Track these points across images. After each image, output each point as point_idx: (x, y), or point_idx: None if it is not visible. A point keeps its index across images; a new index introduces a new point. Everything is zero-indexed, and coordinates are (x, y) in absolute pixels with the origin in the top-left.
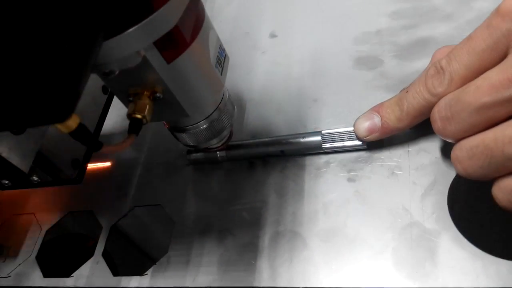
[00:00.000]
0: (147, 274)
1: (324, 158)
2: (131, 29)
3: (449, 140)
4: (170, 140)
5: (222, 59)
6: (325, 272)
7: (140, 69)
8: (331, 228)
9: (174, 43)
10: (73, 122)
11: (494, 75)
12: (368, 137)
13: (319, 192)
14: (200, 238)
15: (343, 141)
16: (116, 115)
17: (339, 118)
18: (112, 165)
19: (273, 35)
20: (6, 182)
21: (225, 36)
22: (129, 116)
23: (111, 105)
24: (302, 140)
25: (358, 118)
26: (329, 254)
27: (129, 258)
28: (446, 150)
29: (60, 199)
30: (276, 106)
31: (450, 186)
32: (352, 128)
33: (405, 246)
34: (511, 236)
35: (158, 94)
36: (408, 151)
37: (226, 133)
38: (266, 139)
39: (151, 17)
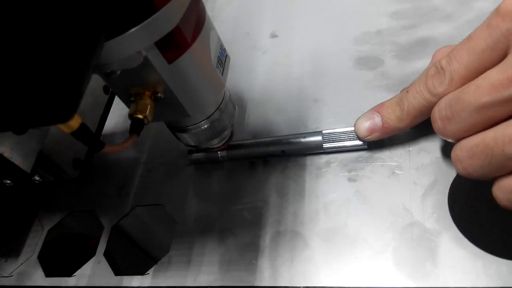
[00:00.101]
0: (148, 273)
1: (324, 158)
2: (132, 30)
3: (450, 140)
4: (171, 140)
5: (223, 59)
6: (326, 271)
7: (141, 69)
8: (331, 228)
9: (175, 44)
10: (75, 122)
11: (494, 75)
12: (368, 137)
13: (320, 192)
14: (201, 238)
15: (344, 141)
16: (118, 115)
17: (340, 118)
18: (113, 165)
19: (273, 35)
20: (8, 182)
21: (226, 36)
22: (131, 116)
23: (112, 105)
24: (302, 140)
25: (358, 118)
26: (330, 253)
27: (131, 257)
28: (447, 150)
29: (62, 199)
30: (276, 106)
31: (451, 186)
32: (352, 128)
33: (406, 246)
34: None
35: (159, 94)
36: (409, 151)
37: (227, 133)
38: (267, 139)
39: (152, 17)
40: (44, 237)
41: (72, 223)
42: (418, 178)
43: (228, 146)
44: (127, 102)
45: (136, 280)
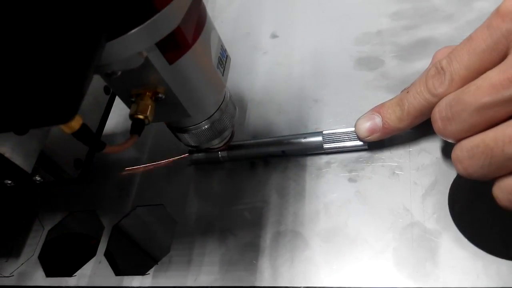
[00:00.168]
0: (149, 273)
1: (325, 158)
2: (133, 30)
3: (450, 140)
4: (172, 140)
5: (223, 59)
6: (326, 272)
7: (142, 70)
8: (332, 228)
9: (176, 44)
10: (76, 123)
11: (494, 75)
12: (369, 137)
13: (320, 192)
14: (201, 238)
15: (344, 141)
16: (118, 115)
17: (340, 118)
18: (114, 165)
19: (274, 36)
20: (9, 182)
21: (226, 37)
22: (132, 116)
23: (113, 105)
24: (303, 140)
25: (359, 119)
26: (330, 254)
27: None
28: (447, 150)
29: (63, 199)
30: (277, 106)
31: (451, 186)
32: (353, 129)
33: (406, 246)
34: None
35: (160, 95)
36: (409, 151)
37: (227, 133)
38: (267, 140)
39: (153, 18)
40: (44, 237)
41: (73, 223)
42: (418, 178)
43: (228, 147)
44: (128, 102)
45: (136, 280)
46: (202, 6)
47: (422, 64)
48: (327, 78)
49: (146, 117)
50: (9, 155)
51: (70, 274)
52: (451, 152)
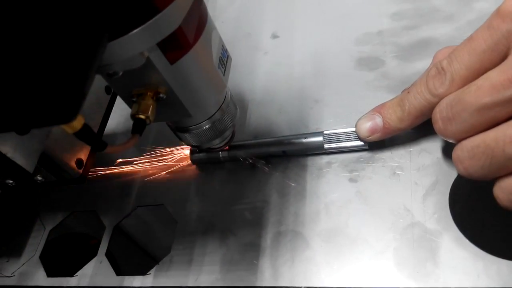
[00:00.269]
0: (150, 273)
1: (325, 158)
2: (135, 31)
3: (450, 141)
4: (173, 140)
5: (224, 59)
6: (326, 272)
7: (143, 70)
8: (332, 228)
9: (177, 44)
10: (78, 123)
11: (494, 76)
12: (369, 137)
13: (321, 192)
14: (202, 238)
15: (345, 141)
16: (119, 115)
17: (341, 118)
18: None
19: (275, 36)
20: (11, 182)
21: (227, 37)
22: (133, 116)
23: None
24: (304, 140)
25: (359, 119)
26: (330, 254)
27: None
28: (448, 151)
29: (64, 199)
30: (278, 106)
31: (452, 186)
32: (353, 129)
33: (407, 246)
34: None
35: (161, 95)
36: (410, 151)
37: (228, 133)
38: (268, 140)
39: (155, 18)
40: (46, 237)
41: (74, 223)
42: (419, 178)
43: (229, 147)
44: (129, 102)
45: (137, 280)
46: (203, 6)
47: (422, 64)
48: (328, 78)
49: (147, 117)
50: (11, 155)
51: (71, 274)
52: (451, 152)
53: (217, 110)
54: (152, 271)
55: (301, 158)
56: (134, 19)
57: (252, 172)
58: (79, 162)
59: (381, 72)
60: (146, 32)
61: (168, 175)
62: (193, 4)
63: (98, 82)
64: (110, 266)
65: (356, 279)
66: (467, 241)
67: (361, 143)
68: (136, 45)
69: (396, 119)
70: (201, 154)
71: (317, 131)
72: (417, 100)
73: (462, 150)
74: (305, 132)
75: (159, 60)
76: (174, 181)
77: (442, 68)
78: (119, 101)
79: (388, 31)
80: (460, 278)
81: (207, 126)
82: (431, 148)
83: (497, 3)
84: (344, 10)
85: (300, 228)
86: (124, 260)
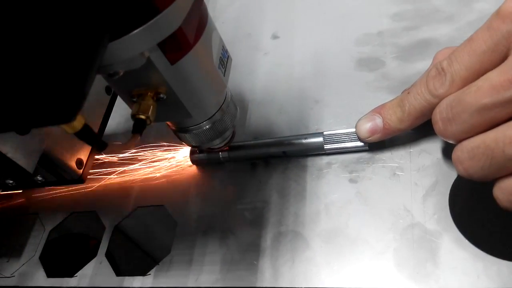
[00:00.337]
0: (150, 274)
1: (325, 159)
2: (135, 31)
3: (450, 141)
4: (173, 140)
5: (225, 60)
6: (326, 272)
7: (144, 70)
8: (332, 229)
9: (177, 45)
10: (78, 123)
11: (494, 76)
12: (370, 138)
13: (321, 192)
14: (202, 238)
15: (345, 142)
16: (120, 115)
17: (341, 119)
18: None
19: (275, 36)
20: (11, 182)
21: (227, 37)
22: (133, 116)
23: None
24: (304, 141)
25: (359, 119)
26: (330, 254)
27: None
28: (448, 151)
29: (64, 200)
30: (278, 107)
31: (451, 187)
32: (353, 129)
33: (407, 247)
34: None
35: (161, 95)
36: (410, 152)
37: (228, 133)
38: (268, 140)
39: (155, 19)
40: (46, 238)
41: (74, 224)
42: (419, 179)
43: (229, 147)
44: (129, 102)
45: (137, 281)
46: (203, 7)
47: (422, 65)
48: (328, 78)
49: (147, 117)
50: (11, 155)
51: (71, 274)
52: (451, 153)
53: (217, 111)
54: (152, 272)
55: (301, 159)
56: (134, 19)
57: (252, 172)
58: (79, 162)
59: (381, 72)
60: (147, 32)
61: (168, 176)
62: (193, 4)
63: (99, 82)
64: (110, 267)
65: (356, 280)
66: (467, 241)
67: (361, 143)
68: (136, 45)
69: (396, 119)
70: (201, 155)
71: (317, 131)
72: (417, 101)
73: (462, 151)
74: (305, 133)
75: (159, 60)
76: (174, 181)
77: (442, 69)
78: (119, 101)
79: (388, 31)
80: (460, 279)
81: (207, 127)
82: (431, 149)
83: (497, 3)
84: (344, 11)
85: (300, 228)
86: (124, 261)
